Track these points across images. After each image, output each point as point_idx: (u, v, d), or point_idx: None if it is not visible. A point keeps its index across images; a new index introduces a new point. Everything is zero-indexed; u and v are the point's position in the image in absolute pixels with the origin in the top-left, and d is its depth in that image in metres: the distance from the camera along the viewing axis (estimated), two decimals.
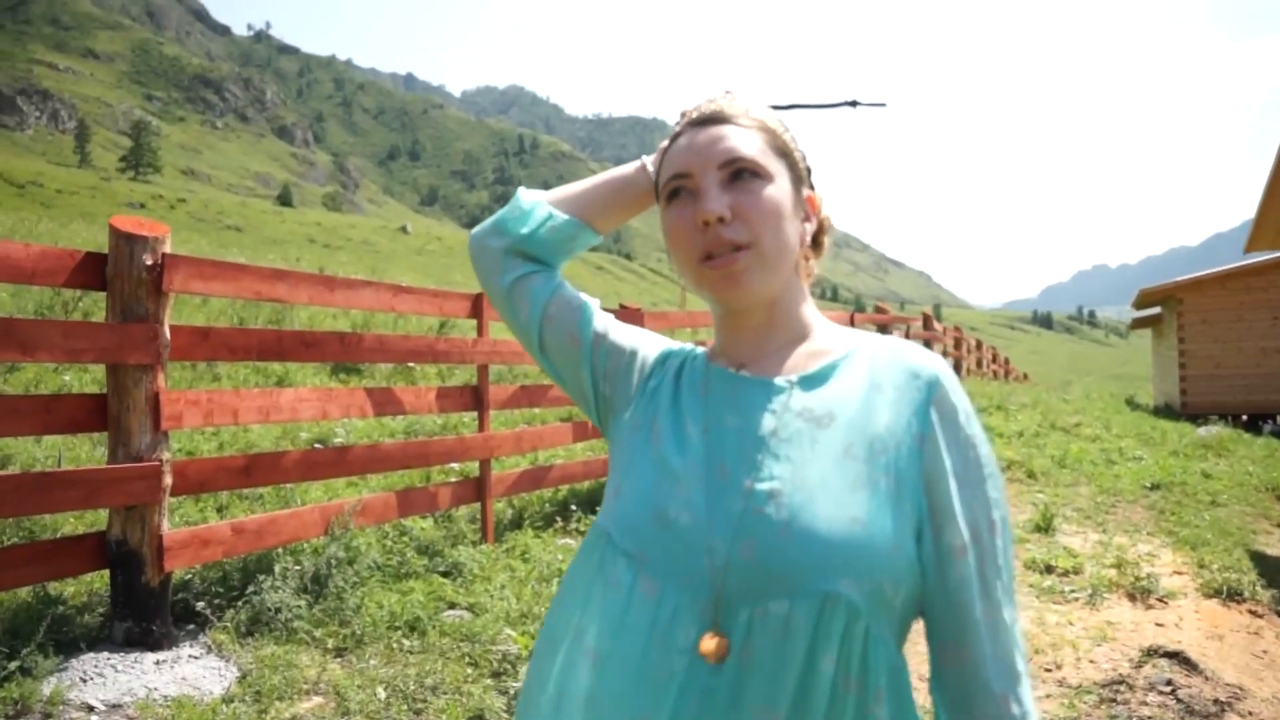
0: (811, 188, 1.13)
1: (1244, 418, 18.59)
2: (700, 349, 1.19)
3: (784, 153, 1.08)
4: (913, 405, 1.01)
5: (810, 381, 1.05)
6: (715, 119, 1.07)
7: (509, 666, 3.67)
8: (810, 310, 1.13)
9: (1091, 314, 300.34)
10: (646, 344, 1.20)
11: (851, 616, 0.89)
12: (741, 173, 1.03)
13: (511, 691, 3.51)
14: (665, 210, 1.08)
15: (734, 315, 1.09)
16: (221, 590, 3.79)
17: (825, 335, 1.11)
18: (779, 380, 1.05)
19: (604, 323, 1.20)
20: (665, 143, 1.13)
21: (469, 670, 3.60)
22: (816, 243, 1.16)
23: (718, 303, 1.07)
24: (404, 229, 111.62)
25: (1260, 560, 7.07)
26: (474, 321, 5.21)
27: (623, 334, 1.20)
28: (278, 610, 3.63)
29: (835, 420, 1.01)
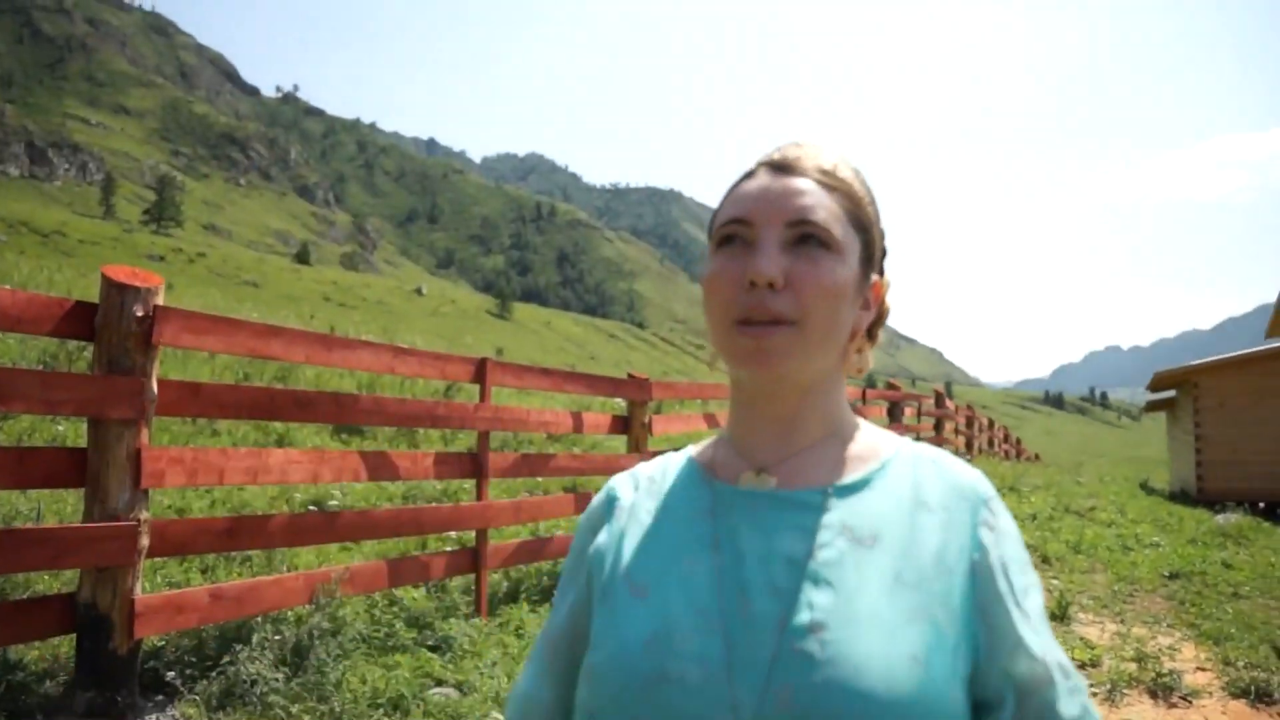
0: (881, 272, 0.97)
1: (1262, 505, 18.24)
2: (678, 456, 1.01)
3: (863, 227, 0.92)
4: (964, 528, 0.87)
5: (847, 491, 0.89)
6: (796, 168, 0.91)
7: None
8: (845, 406, 0.97)
9: (1103, 395, 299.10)
10: (576, 543, 1.00)
11: None
12: (810, 238, 0.87)
13: None
14: (712, 255, 0.91)
15: (758, 397, 0.92)
16: (194, 659, 3.60)
17: (861, 436, 0.95)
18: (811, 490, 0.89)
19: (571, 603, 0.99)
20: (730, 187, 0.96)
21: None
22: (870, 333, 0.99)
23: (742, 377, 0.90)
24: (419, 290, 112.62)
25: None
26: (477, 386, 5.07)
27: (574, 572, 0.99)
28: (253, 683, 3.44)
29: (881, 541, 0.85)
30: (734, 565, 0.85)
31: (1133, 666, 5.81)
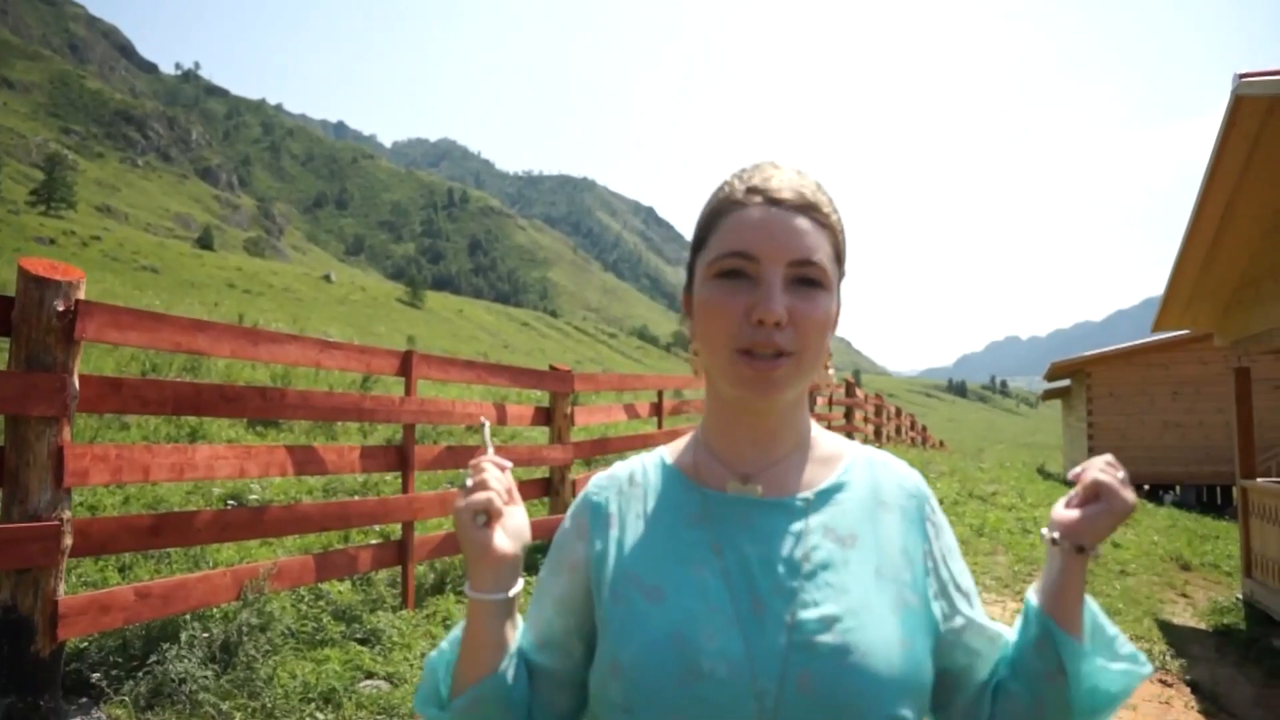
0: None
1: (1146, 488, 19.23)
2: (651, 459, 1.08)
3: (841, 259, 1.01)
4: (915, 524, 1.03)
5: (824, 497, 1.01)
6: (797, 204, 0.96)
7: None
8: (808, 416, 1.07)
9: (1004, 383, 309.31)
10: (566, 546, 1.05)
11: None
12: (807, 280, 0.95)
13: None
14: (712, 284, 0.96)
15: (745, 413, 1.00)
16: (120, 660, 3.55)
17: (821, 443, 1.06)
18: (795, 499, 1.00)
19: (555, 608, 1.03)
20: (715, 202, 1.01)
21: None
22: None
23: (741, 399, 0.97)
24: (328, 277, 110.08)
25: (1168, 629, 7.23)
26: (397, 378, 5.06)
27: (557, 583, 1.03)
28: (182, 681, 3.41)
29: (858, 540, 0.98)
30: (740, 568, 0.95)
31: None
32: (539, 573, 1.08)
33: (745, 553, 0.96)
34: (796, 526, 0.97)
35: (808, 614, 0.91)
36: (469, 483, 0.95)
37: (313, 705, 3.61)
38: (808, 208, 0.97)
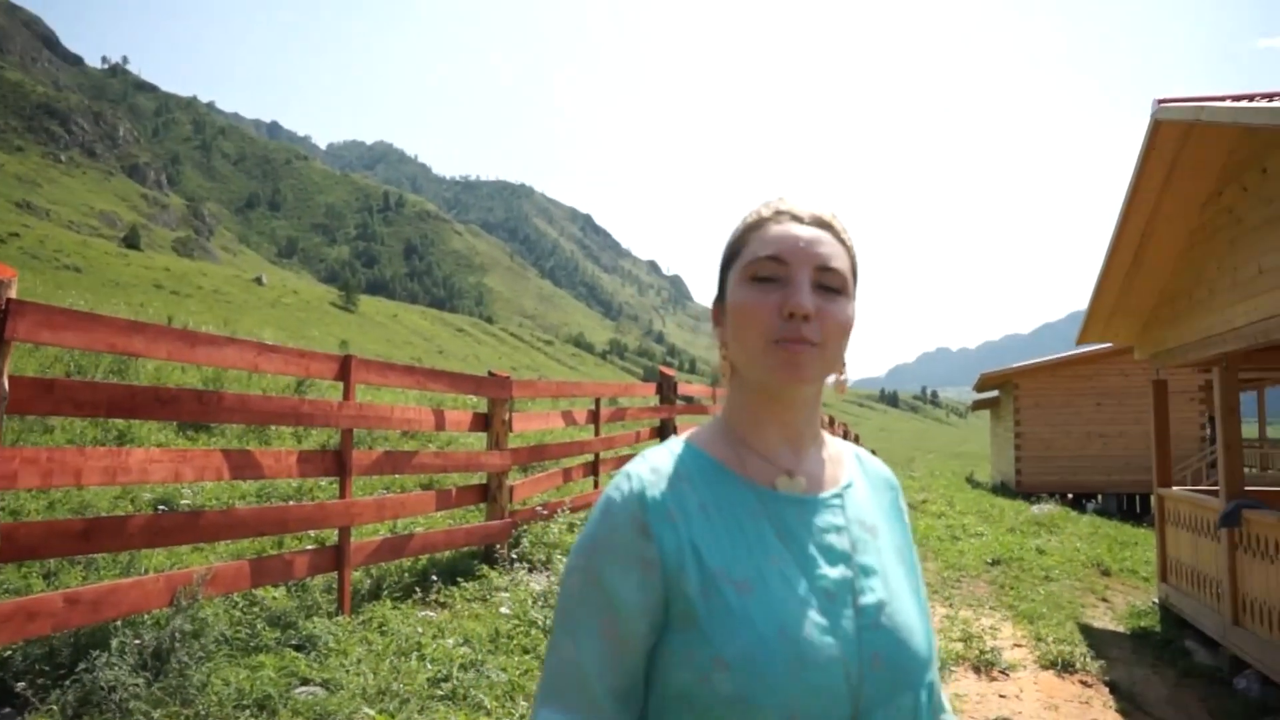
0: None
1: (1070, 496, 19.81)
2: (677, 450, 1.11)
3: (856, 277, 1.12)
4: (897, 513, 1.19)
5: (849, 491, 1.13)
6: (817, 222, 1.09)
7: None
8: (821, 413, 1.19)
9: (934, 394, 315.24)
10: (629, 544, 1.01)
11: (932, 694, 1.07)
12: (830, 286, 1.06)
13: None
14: (746, 287, 1.06)
15: (775, 405, 1.09)
16: (47, 668, 3.48)
17: (827, 440, 1.18)
18: (831, 495, 1.11)
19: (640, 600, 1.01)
20: (745, 224, 1.11)
21: None
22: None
23: (771, 389, 1.07)
24: (259, 280, 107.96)
25: (1088, 632, 7.49)
26: (334, 383, 5.03)
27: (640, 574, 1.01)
28: (112, 689, 3.35)
29: (879, 529, 1.13)
30: (807, 560, 1.04)
31: (960, 646, 6.31)
32: (577, 593, 1.01)
33: (805, 545, 1.05)
34: (839, 520, 1.09)
35: (866, 600, 1.03)
36: None
37: (247, 712, 3.57)
38: (828, 225, 1.10)
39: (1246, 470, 17.81)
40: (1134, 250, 7.88)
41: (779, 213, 1.10)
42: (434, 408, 6.13)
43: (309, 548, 5.17)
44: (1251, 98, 6.05)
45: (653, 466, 1.07)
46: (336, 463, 4.94)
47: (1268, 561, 6.15)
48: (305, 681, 3.98)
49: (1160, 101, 6.64)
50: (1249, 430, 25.23)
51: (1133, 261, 8.00)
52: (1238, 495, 6.73)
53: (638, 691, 1.01)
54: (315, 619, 4.57)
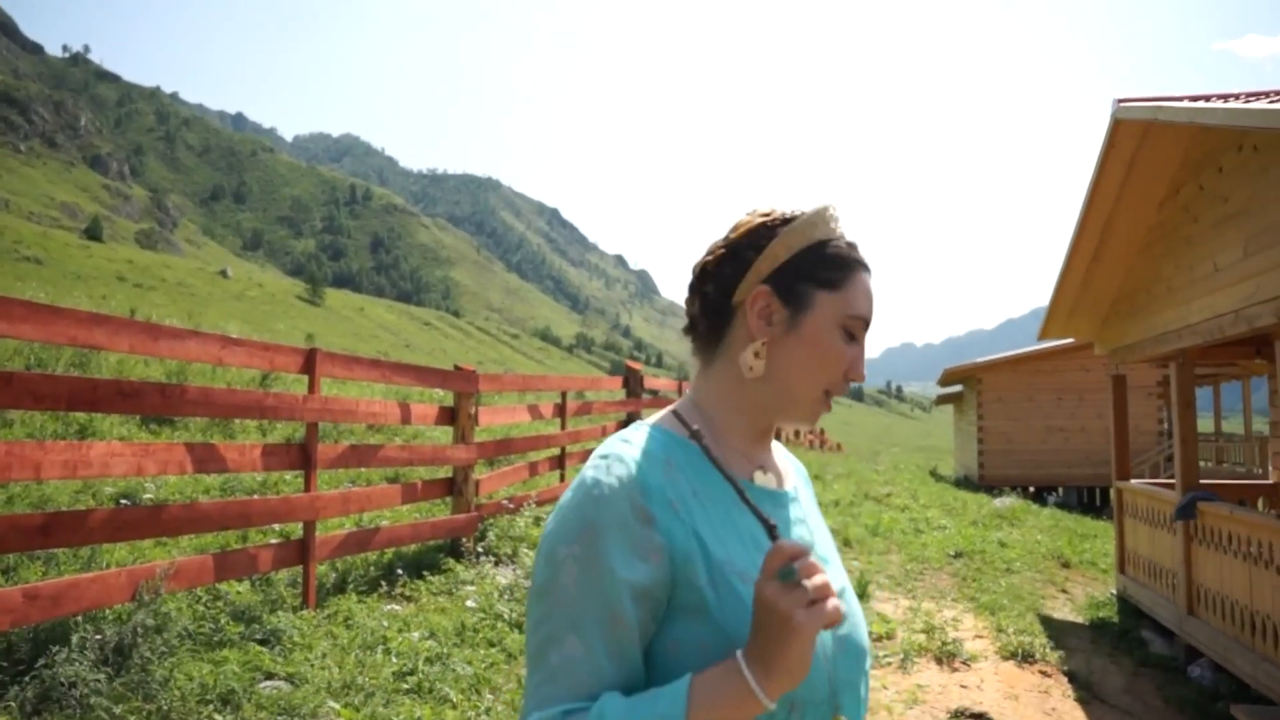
0: None
1: (1031, 489, 20.09)
2: (661, 436, 1.09)
3: None
4: (815, 503, 1.29)
5: (799, 487, 1.24)
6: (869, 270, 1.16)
7: None
8: None
9: (899, 388, 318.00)
10: (634, 532, 0.98)
11: (867, 682, 1.15)
12: None
13: None
14: (836, 334, 1.09)
15: (773, 423, 1.15)
16: (5, 664, 3.44)
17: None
18: (791, 489, 1.20)
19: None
20: (841, 250, 1.11)
21: None
22: None
23: (797, 421, 1.14)
24: (224, 273, 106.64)
25: (1048, 623, 7.62)
26: (298, 376, 5.00)
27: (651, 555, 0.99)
28: (72, 685, 3.32)
29: (819, 521, 1.24)
30: None
31: (922, 637, 6.40)
32: (577, 583, 0.95)
33: (784, 536, 1.11)
34: (799, 513, 1.18)
35: (835, 587, 1.09)
36: (808, 584, 0.88)
37: (210, 707, 3.56)
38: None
39: (1202, 464, 18.18)
40: (1094, 247, 8.01)
41: (862, 262, 1.14)
42: (400, 401, 6.12)
43: (274, 542, 5.15)
44: (1208, 98, 6.17)
45: (642, 450, 1.04)
46: (301, 456, 4.92)
47: (1221, 552, 6.29)
48: (270, 676, 3.97)
49: (1120, 101, 6.76)
50: (1205, 425, 25.75)
51: (1093, 258, 8.13)
52: (1194, 488, 6.88)
53: (642, 685, 0.97)
54: (280, 613, 4.56)
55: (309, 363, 4.95)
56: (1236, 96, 6.08)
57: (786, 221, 1.10)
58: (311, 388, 5.00)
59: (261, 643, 4.24)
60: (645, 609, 0.97)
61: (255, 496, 6.12)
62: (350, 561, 5.78)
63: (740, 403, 1.11)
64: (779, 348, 1.08)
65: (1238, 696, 5.96)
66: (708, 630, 0.98)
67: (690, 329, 1.16)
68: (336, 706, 3.71)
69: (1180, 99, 6.26)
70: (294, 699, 3.72)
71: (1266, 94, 6.04)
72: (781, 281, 1.08)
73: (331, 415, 5.15)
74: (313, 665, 4.12)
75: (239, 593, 4.76)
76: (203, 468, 4.19)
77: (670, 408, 1.14)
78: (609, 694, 0.92)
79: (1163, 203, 7.33)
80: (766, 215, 1.12)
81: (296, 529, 5.56)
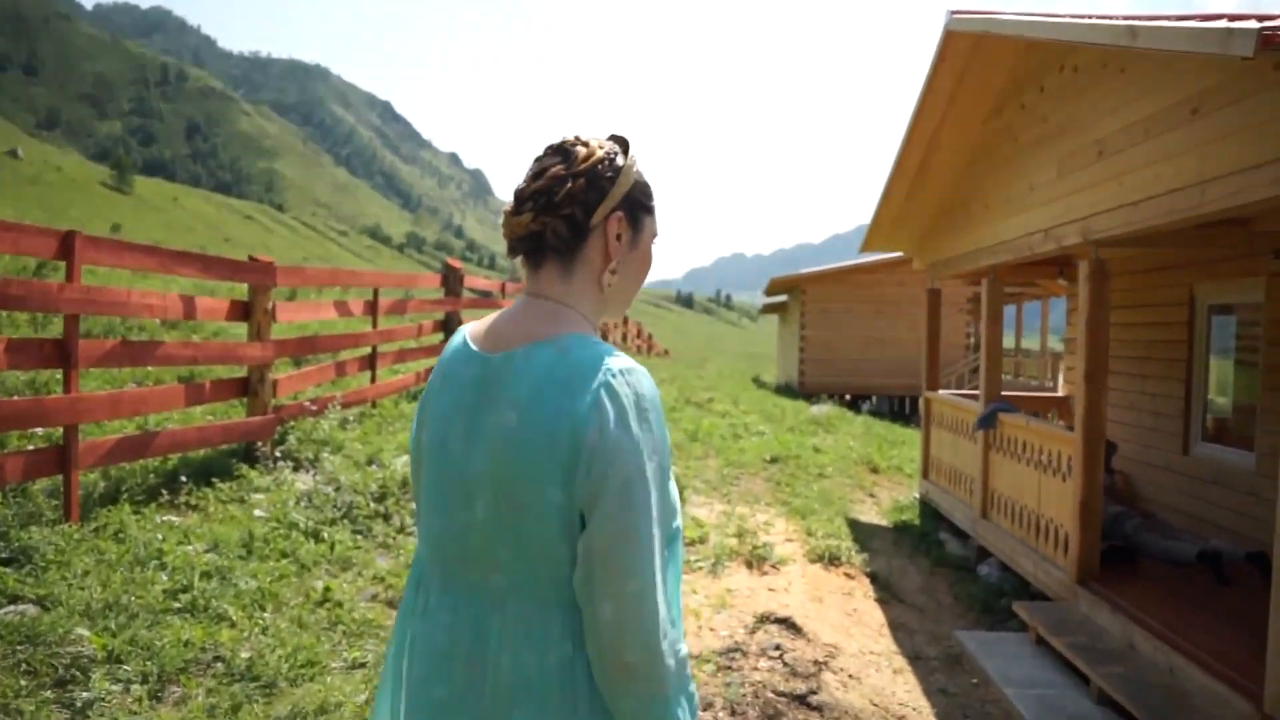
0: None
1: (848, 397, 20.97)
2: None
3: None
4: None
5: None
6: None
7: (78, 674, 3.11)
8: None
9: (729, 297, 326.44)
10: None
11: None
12: None
13: (79, 704, 2.96)
14: (651, 252, 1.36)
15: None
16: None
17: None
18: None
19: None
20: (648, 189, 1.35)
21: (23, 681, 3.00)
22: None
23: (617, 317, 1.40)
24: (14, 153, 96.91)
25: (856, 526, 7.88)
26: (56, 262, 4.38)
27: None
28: None
29: None
30: None
31: (734, 541, 6.45)
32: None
33: None
34: None
35: None
36: None
37: None
38: None
39: (1004, 377, 19.38)
40: (919, 162, 8.09)
41: (637, 166, 1.33)
42: (182, 294, 5.53)
43: (28, 448, 4.57)
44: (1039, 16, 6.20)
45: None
46: (58, 353, 4.33)
47: (1014, 460, 6.60)
48: (15, 600, 3.51)
49: (953, 12, 6.72)
50: (1007, 341, 27.49)
51: (917, 173, 8.22)
52: (996, 399, 7.17)
53: None
54: (34, 528, 4.05)
55: (65, 247, 4.32)
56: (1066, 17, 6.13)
57: (624, 153, 1.29)
58: (70, 275, 4.39)
59: (7, 562, 3.75)
60: None
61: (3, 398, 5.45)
62: (128, 469, 5.25)
63: (596, 308, 1.31)
64: (624, 264, 1.30)
65: (1019, 594, 6.33)
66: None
67: (536, 242, 1.25)
68: (88, 633, 3.30)
69: (1011, 13, 6.27)
70: (39, 625, 3.29)
71: (1091, 17, 6.12)
72: (628, 207, 1.29)
73: (96, 307, 4.56)
74: (69, 585, 3.68)
75: None
76: None
77: (571, 321, 1.25)
78: None
79: (987, 120, 7.43)
80: (602, 146, 1.28)
81: (58, 434, 4.98)
